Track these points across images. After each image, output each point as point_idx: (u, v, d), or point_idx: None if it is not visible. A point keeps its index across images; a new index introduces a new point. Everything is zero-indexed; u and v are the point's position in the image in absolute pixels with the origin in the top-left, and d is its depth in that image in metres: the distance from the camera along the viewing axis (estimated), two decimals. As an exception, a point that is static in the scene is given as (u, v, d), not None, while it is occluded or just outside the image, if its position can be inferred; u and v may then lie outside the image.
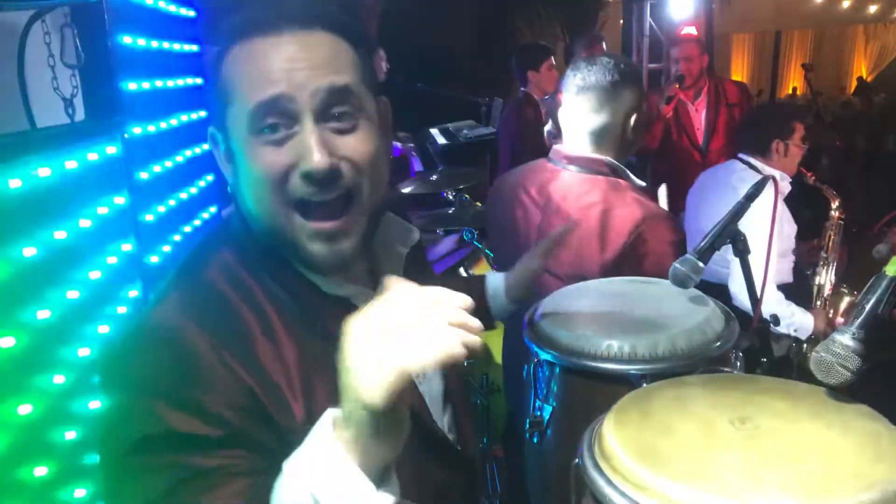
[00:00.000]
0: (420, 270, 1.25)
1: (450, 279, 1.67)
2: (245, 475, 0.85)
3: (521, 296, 1.68)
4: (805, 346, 2.84)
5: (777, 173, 2.93)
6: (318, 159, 0.92)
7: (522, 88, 4.79)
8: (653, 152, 4.30)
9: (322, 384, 0.94)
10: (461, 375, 1.30)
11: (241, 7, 1.00)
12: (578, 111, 1.96)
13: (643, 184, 2.01)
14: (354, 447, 0.76)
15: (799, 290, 3.08)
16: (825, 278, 3.14)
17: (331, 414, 0.79)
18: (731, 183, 3.01)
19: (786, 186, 2.96)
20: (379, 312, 0.75)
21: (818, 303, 3.11)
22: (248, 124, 0.94)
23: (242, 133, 0.95)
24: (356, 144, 0.96)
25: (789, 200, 3.00)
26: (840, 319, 2.95)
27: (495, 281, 1.70)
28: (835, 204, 3.19)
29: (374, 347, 0.73)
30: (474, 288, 1.64)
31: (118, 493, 0.89)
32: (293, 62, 0.93)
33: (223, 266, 0.99)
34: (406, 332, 0.72)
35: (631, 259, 1.82)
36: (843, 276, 3.19)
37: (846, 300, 3.04)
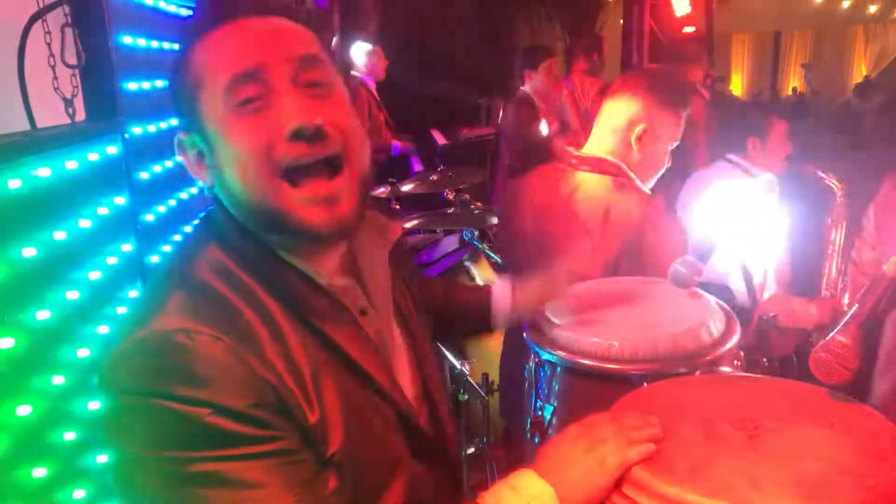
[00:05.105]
0: (402, 267, 1.24)
1: (453, 289, 1.61)
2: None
3: (526, 315, 1.58)
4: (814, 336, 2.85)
5: (760, 172, 2.94)
6: (304, 116, 0.93)
7: (521, 87, 4.86)
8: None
9: (328, 381, 0.96)
10: (441, 377, 1.29)
11: (202, 5, 1.04)
12: (604, 110, 2.05)
13: (648, 188, 2.02)
14: None
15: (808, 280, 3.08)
16: (833, 267, 3.14)
17: None
18: (718, 183, 3.01)
19: (773, 185, 2.95)
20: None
21: (826, 293, 3.12)
22: (224, 100, 0.94)
23: (219, 113, 0.94)
24: (334, 108, 0.97)
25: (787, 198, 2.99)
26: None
27: (501, 293, 1.57)
28: (840, 192, 3.13)
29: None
30: (479, 297, 1.57)
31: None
32: (265, 36, 0.96)
33: (214, 264, 0.97)
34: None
35: (632, 258, 1.83)
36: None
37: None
